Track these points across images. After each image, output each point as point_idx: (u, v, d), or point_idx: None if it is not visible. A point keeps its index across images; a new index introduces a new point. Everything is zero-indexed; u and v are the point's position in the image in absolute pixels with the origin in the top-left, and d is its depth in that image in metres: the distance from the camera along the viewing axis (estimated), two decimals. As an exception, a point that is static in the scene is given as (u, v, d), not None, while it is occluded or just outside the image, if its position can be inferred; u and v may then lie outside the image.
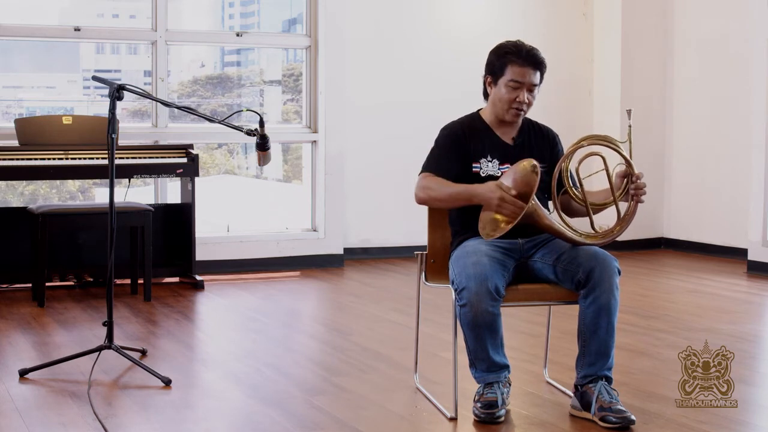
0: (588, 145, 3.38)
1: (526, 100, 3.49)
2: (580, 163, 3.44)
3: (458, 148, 3.53)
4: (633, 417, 3.27)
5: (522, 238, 3.50)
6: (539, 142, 3.61)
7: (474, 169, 3.52)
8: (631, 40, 7.65)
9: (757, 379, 4.02)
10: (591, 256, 3.34)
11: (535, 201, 3.29)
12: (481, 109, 3.66)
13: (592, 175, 3.51)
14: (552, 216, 3.39)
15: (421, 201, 3.55)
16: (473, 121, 3.61)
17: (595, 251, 3.37)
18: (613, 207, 3.42)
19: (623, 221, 3.40)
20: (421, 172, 3.56)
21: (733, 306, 5.57)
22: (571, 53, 7.79)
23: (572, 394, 3.47)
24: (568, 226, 3.38)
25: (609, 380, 3.37)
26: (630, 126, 3.41)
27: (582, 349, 3.39)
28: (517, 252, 3.49)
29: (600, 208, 3.47)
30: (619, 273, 3.37)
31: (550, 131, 3.68)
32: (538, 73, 3.51)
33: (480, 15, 7.34)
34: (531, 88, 3.50)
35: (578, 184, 3.45)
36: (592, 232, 3.41)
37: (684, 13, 7.62)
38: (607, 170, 3.41)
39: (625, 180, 3.40)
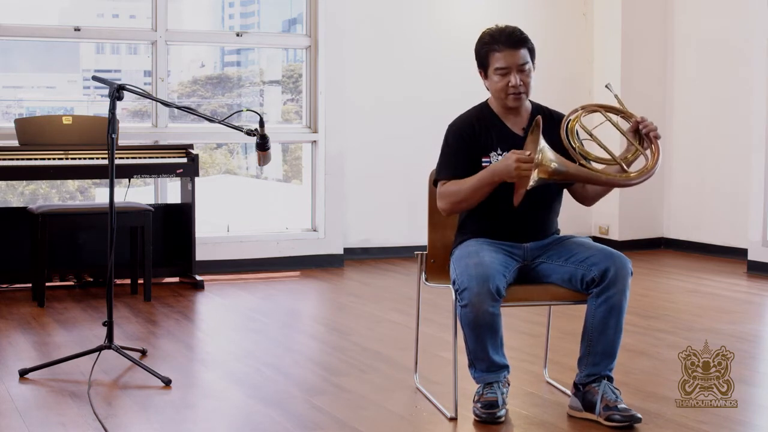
0: (576, 117, 3.35)
1: (519, 82, 3.42)
2: (572, 131, 3.35)
3: (469, 145, 3.47)
4: (639, 415, 3.28)
5: (528, 242, 3.49)
6: (550, 130, 3.47)
7: (483, 164, 3.45)
8: (631, 40, 7.65)
9: (757, 379, 4.02)
10: (606, 256, 3.32)
11: (543, 148, 3.20)
12: (489, 98, 3.59)
13: (596, 128, 3.45)
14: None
15: (448, 212, 3.49)
16: (482, 112, 3.55)
17: (610, 252, 3.35)
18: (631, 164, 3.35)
19: (654, 158, 3.29)
20: (436, 179, 3.51)
21: (733, 306, 5.57)
22: (571, 53, 7.79)
23: (571, 394, 3.47)
24: (602, 169, 3.30)
25: (611, 380, 3.37)
26: (616, 96, 3.40)
27: (587, 347, 3.37)
28: (521, 256, 3.47)
29: (629, 161, 3.37)
30: (631, 274, 3.36)
31: (562, 117, 3.55)
32: (522, 51, 3.43)
33: (480, 15, 7.34)
34: (521, 69, 3.43)
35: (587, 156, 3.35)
36: (631, 171, 3.31)
37: (684, 13, 7.62)
38: (612, 121, 3.36)
39: (634, 132, 3.34)
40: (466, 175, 3.43)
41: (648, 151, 3.33)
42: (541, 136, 3.23)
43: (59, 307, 5.36)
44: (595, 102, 3.43)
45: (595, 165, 3.32)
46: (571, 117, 3.35)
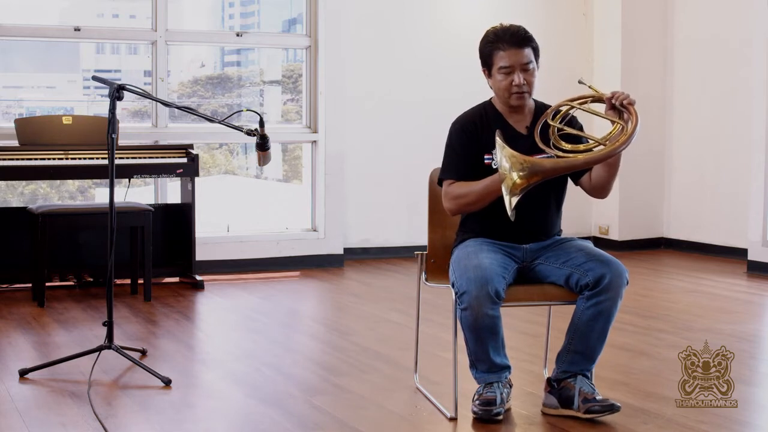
0: (553, 123, 3.34)
1: (523, 81, 3.42)
2: (559, 123, 3.36)
3: (472, 143, 3.46)
4: (618, 404, 3.29)
5: (528, 243, 3.49)
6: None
7: (486, 161, 3.45)
8: (631, 40, 7.65)
9: (757, 379, 4.02)
10: (604, 263, 3.31)
11: (500, 163, 3.19)
12: (492, 97, 3.58)
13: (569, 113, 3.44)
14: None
15: (454, 213, 3.50)
16: (485, 110, 3.54)
17: (608, 259, 3.33)
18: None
19: (633, 124, 3.25)
20: (441, 179, 3.50)
21: (733, 306, 5.57)
22: (571, 53, 7.79)
23: (545, 392, 3.46)
24: (577, 151, 3.28)
25: (587, 376, 3.38)
26: (590, 86, 3.38)
27: (568, 344, 3.38)
28: (521, 257, 3.47)
29: (609, 137, 3.33)
30: (627, 283, 3.35)
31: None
32: (526, 50, 3.43)
33: (480, 15, 7.34)
34: (524, 68, 3.43)
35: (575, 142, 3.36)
36: (611, 141, 3.27)
37: (684, 13, 7.62)
38: (584, 109, 3.36)
39: (612, 108, 3.31)
40: (471, 174, 3.44)
41: (629, 123, 3.28)
42: (498, 148, 3.22)
43: (59, 307, 5.36)
44: (564, 99, 3.41)
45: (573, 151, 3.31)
46: (542, 123, 3.37)
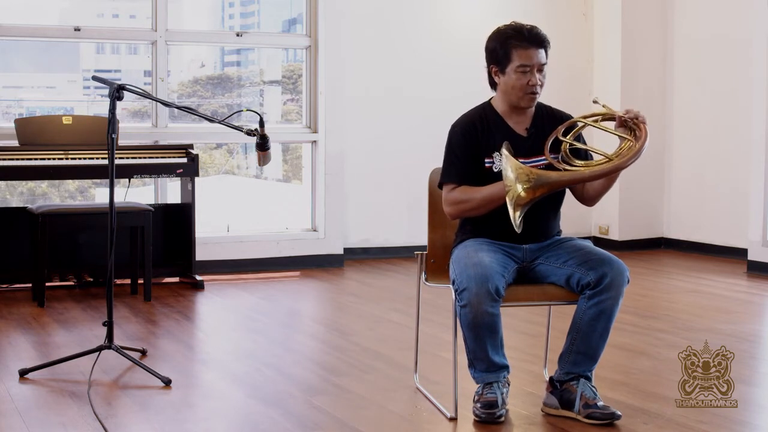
0: (566, 142, 3.37)
1: (539, 82, 3.41)
2: (566, 152, 3.39)
3: (472, 146, 3.45)
4: (618, 413, 3.29)
5: (528, 243, 3.48)
6: (553, 129, 3.45)
7: (486, 165, 3.44)
8: (631, 40, 7.65)
9: (757, 379, 4.02)
10: (605, 262, 3.31)
11: (506, 176, 3.21)
12: (492, 97, 3.56)
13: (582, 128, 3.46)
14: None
15: (455, 217, 3.50)
16: (484, 111, 3.51)
17: (609, 257, 3.34)
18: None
19: (642, 140, 3.26)
20: (442, 182, 3.50)
21: (733, 306, 5.57)
22: (571, 53, 7.79)
23: (546, 392, 3.46)
24: (586, 165, 3.30)
25: (589, 379, 3.38)
26: (604, 105, 3.40)
27: (570, 345, 3.37)
28: (520, 257, 3.47)
29: (619, 152, 3.34)
30: (628, 281, 3.35)
31: (565, 115, 3.54)
32: (543, 51, 3.43)
33: (480, 14, 7.34)
34: (540, 69, 3.42)
35: (586, 155, 3.42)
36: (620, 156, 3.28)
37: (684, 13, 7.62)
38: (599, 127, 3.38)
39: (622, 126, 3.33)
40: (472, 178, 3.43)
41: (639, 140, 3.29)
42: (504, 159, 3.23)
43: (59, 307, 5.36)
44: (578, 116, 3.43)
45: (579, 163, 3.35)
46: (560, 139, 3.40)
